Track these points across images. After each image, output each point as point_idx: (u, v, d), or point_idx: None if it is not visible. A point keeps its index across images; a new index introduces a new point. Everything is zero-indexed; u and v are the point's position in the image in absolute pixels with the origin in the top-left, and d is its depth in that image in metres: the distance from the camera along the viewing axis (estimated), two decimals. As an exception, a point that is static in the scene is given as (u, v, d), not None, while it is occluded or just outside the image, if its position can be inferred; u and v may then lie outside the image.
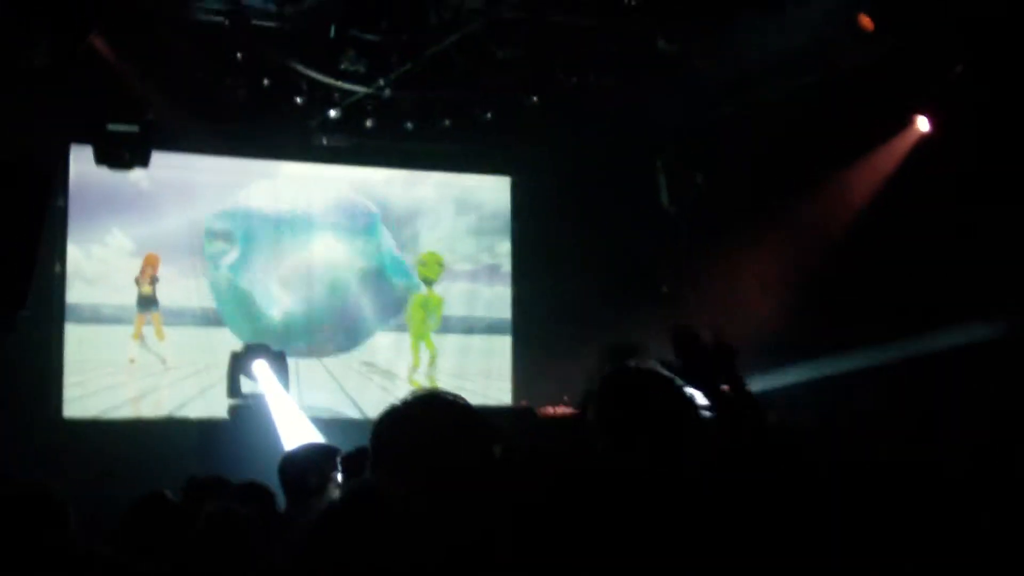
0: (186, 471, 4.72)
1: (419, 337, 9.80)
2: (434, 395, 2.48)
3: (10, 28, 7.00)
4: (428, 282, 9.87)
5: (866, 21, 7.66)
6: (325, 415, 8.44)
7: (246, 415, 7.18)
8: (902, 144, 8.67)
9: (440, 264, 9.92)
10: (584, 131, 9.22)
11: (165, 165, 8.66)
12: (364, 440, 2.40)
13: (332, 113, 8.89)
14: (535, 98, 9.03)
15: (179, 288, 9.03)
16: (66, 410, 8.64)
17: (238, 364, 7.34)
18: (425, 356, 9.74)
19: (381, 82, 8.72)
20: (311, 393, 8.90)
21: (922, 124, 8.55)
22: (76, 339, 8.74)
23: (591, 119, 8.95)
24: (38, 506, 2.95)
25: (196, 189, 9.19)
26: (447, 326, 9.90)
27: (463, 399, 2.43)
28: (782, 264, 8.84)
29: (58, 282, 8.70)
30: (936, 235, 7.74)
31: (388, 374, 9.41)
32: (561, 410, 7.75)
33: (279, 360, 7.36)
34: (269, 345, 7.55)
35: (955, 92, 7.81)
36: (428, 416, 2.40)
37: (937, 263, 7.74)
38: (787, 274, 8.84)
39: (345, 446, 3.98)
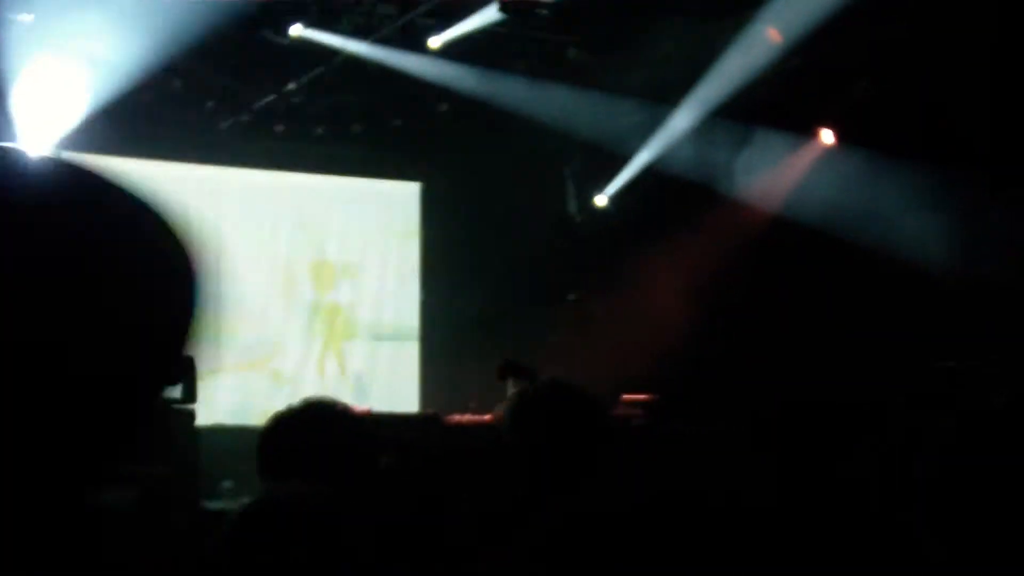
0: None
1: (327, 345, 9.74)
2: (320, 404, 2.49)
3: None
4: (332, 289, 9.80)
5: (774, 34, 7.77)
6: (230, 422, 8.35)
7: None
8: (807, 155, 8.81)
9: (345, 272, 9.86)
10: (494, 138, 9.23)
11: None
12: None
13: (242, 118, 8.83)
14: (445, 105, 9.04)
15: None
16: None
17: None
18: (332, 364, 9.68)
19: (291, 86, 8.67)
20: (218, 401, 8.80)
21: (826, 137, 8.70)
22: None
23: (501, 126, 8.95)
24: None
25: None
26: (355, 333, 9.85)
27: (347, 407, 2.44)
28: (690, 272, 8.92)
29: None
30: (840, 242, 7.89)
31: (295, 382, 9.35)
32: (468, 418, 7.75)
33: (188, 367, 7.27)
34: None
35: (859, 106, 7.96)
36: (314, 425, 2.41)
37: (841, 269, 7.90)
38: (694, 281, 8.93)
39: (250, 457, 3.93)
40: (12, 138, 8.03)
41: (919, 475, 2.91)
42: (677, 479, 2.99)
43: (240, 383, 9.27)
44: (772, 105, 8.15)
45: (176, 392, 7.19)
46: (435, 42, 8.22)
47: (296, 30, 7.98)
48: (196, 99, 8.66)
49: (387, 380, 9.85)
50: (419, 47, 8.23)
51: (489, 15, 7.77)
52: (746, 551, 2.49)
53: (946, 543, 2.43)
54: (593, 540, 2.30)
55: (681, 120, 8.70)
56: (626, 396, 7.33)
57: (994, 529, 2.32)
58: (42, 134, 8.14)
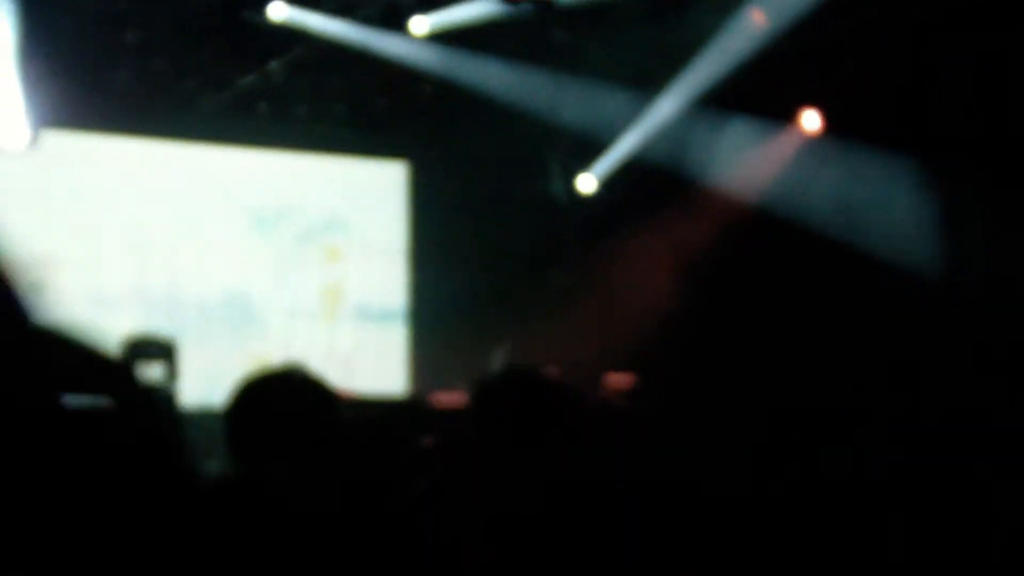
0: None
1: (312, 326, 9.71)
2: (289, 375, 2.45)
3: None
4: (317, 269, 9.77)
5: (758, 16, 7.74)
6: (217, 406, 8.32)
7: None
8: (789, 142, 8.80)
9: (331, 252, 9.83)
10: (480, 118, 9.21)
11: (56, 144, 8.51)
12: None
13: (224, 96, 8.80)
14: (429, 86, 9.02)
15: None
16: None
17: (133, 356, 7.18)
18: (319, 345, 9.65)
19: (273, 65, 8.64)
20: (204, 385, 8.77)
21: (811, 120, 8.68)
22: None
23: (487, 106, 8.94)
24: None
25: (90, 174, 9.00)
26: (341, 313, 9.82)
27: (309, 374, 2.39)
28: (675, 253, 8.93)
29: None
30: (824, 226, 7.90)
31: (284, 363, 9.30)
32: (455, 397, 7.73)
33: (169, 353, 7.22)
34: (160, 339, 7.40)
35: (845, 91, 7.95)
36: (282, 393, 2.37)
37: (824, 251, 7.90)
38: (680, 263, 8.93)
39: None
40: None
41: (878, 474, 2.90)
42: (653, 466, 2.97)
43: (224, 365, 9.23)
44: (755, 90, 8.13)
45: (157, 374, 7.16)
46: (418, 28, 8.21)
47: (277, 11, 7.96)
48: (177, 77, 8.63)
49: (374, 361, 9.82)
50: (401, 27, 8.22)
51: (482, 7, 7.76)
52: (715, 539, 2.48)
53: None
54: (557, 532, 2.29)
55: (665, 106, 8.69)
56: (611, 375, 7.33)
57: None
58: (18, 113, 8.09)
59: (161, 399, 6.99)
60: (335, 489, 2.30)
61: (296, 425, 2.35)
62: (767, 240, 8.41)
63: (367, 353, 9.82)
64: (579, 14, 8.03)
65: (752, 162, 8.78)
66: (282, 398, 2.41)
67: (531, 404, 2.48)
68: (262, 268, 9.61)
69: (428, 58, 8.76)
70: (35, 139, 8.24)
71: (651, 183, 8.95)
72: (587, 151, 9.45)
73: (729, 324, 8.39)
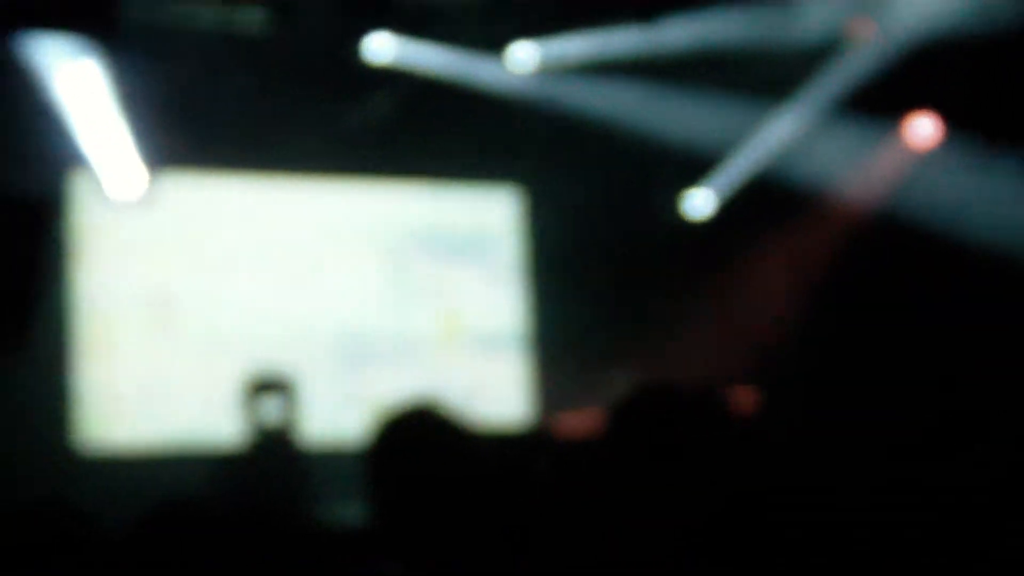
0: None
1: (430, 354, 9.68)
2: (427, 411, 2.37)
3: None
4: (433, 297, 9.76)
5: (860, 28, 7.60)
6: (339, 441, 8.34)
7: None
8: (912, 143, 8.63)
9: (445, 279, 9.81)
10: (594, 139, 9.16)
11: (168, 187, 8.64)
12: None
13: (334, 130, 8.85)
14: (537, 112, 9.02)
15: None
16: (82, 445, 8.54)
17: (252, 396, 7.19)
18: (436, 373, 9.61)
19: (381, 97, 8.68)
20: (327, 420, 8.78)
21: (930, 123, 8.51)
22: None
23: (600, 128, 8.90)
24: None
25: (204, 213, 9.10)
26: (460, 341, 9.78)
27: (453, 413, 2.32)
28: (794, 269, 8.79)
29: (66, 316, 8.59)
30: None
31: (395, 394, 9.26)
32: (579, 420, 7.63)
33: (291, 391, 7.23)
34: (281, 375, 7.41)
35: (965, 90, 7.78)
36: (423, 434, 2.30)
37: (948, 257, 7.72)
38: (799, 279, 8.80)
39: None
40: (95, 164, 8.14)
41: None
42: (788, 480, 2.86)
43: (346, 399, 9.24)
44: (872, 95, 7.99)
45: (278, 411, 7.17)
46: (522, 63, 8.24)
47: (379, 44, 7.99)
48: (286, 115, 8.69)
49: (494, 388, 9.77)
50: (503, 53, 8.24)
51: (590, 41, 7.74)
52: (852, 552, 2.37)
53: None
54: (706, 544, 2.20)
55: (781, 118, 8.58)
56: (734, 390, 7.24)
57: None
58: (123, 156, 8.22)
59: (282, 438, 7.02)
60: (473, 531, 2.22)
61: (441, 467, 2.27)
62: (888, 250, 8.24)
63: (487, 381, 9.78)
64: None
65: (871, 169, 8.62)
66: (426, 438, 2.33)
67: (677, 419, 2.40)
68: (378, 299, 9.60)
69: (532, 84, 8.75)
70: (149, 184, 8.35)
71: (767, 197, 8.83)
72: (700, 168, 9.37)
73: (852, 336, 8.23)
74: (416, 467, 2.27)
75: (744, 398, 7.00)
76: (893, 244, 8.17)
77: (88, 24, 5.31)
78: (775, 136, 8.73)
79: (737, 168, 9.19)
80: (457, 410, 2.40)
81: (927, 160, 8.38)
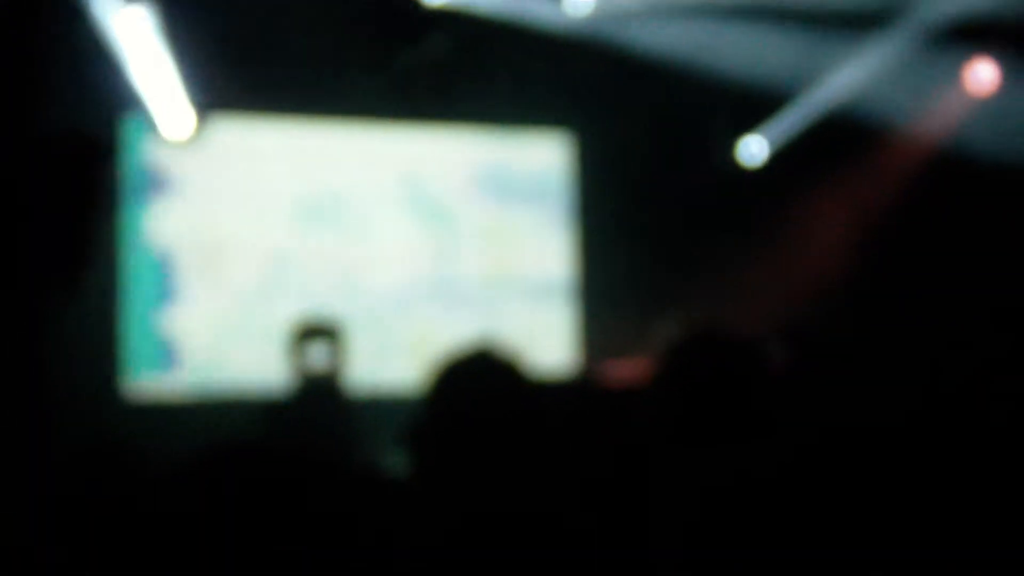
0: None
1: (482, 300, 9.67)
2: (486, 353, 2.34)
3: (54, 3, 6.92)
4: (482, 244, 9.73)
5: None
6: (384, 389, 8.35)
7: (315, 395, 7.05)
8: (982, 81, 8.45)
9: (494, 227, 9.77)
10: (646, 83, 9.07)
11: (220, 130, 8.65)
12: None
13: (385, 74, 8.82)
14: (590, 55, 8.93)
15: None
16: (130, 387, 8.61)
17: (299, 342, 7.20)
18: (487, 320, 9.60)
19: (433, 40, 8.64)
20: (372, 367, 8.80)
21: (986, 70, 8.34)
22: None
23: (651, 72, 8.80)
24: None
25: (255, 157, 9.11)
26: (508, 289, 9.76)
27: (512, 356, 2.29)
28: (851, 214, 8.67)
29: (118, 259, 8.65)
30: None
31: (440, 344, 9.25)
32: (630, 369, 7.58)
33: (339, 337, 7.22)
34: (329, 321, 7.40)
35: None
36: (490, 381, 2.27)
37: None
38: (856, 224, 8.68)
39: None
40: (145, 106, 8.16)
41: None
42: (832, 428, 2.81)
43: (393, 347, 9.26)
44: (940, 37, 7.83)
45: (325, 357, 7.17)
46: (578, 4, 8.14)
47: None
48: (337, 58, 8.67)
49: (542, 336, 9.75)
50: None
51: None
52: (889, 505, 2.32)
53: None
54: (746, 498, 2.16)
55: (858, 56, 8.41)
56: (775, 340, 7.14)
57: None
58: (176, 99, 8.22)
59: (329, 384, 7.03)
60: (531, 480, 2.19)
61: (498, 411, 2.24)
62: (953, 192, 8.09)
63: (534, 329, 9.75)
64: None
65: (932, 113, 8.46)
66: (485, 378, 2.30)
67: (726, 365, 2.38)
68: (426, 245, 9.59)
69: (588, 25, 8.65)
70: (200, 126, 8.36)
71: (826, 142, 8.71)
72: (756, 113, 9.25)
73: (910, 284, 8.12)
74: (475, 408, 2.24)
75: (778, 352, 6.92)
76: (957, 186, 8.03)
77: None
78: (839, 79, 8.57)
79: (796, 114, 9.06)
80: (515, 354, 2.37)
81: (987, 105, 8.24)
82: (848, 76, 8.52)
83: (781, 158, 9.36)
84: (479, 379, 2.33)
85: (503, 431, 2.23)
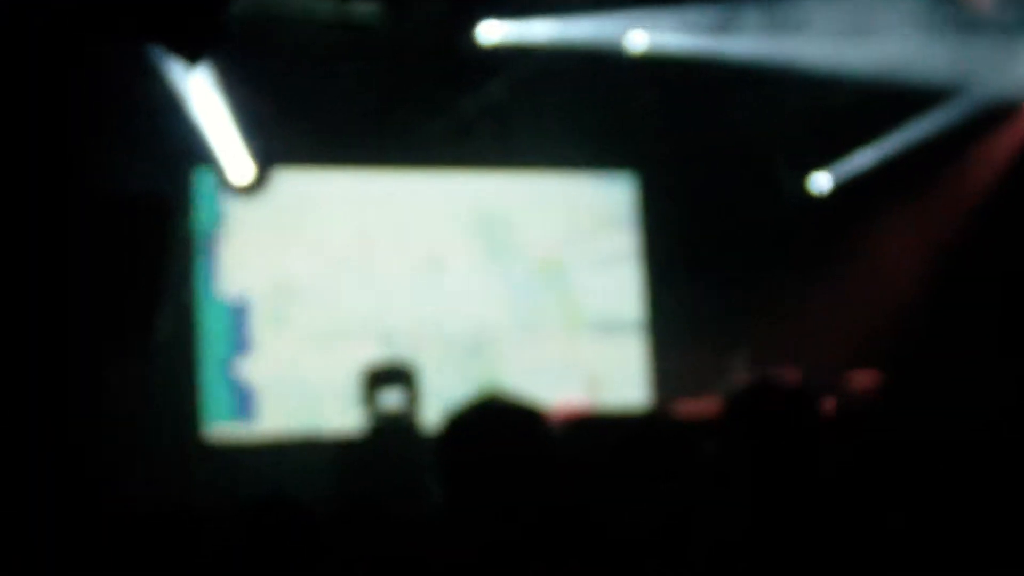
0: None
1: (550, 341, 9.69)
2: (497, 402, 2.38)
3: (129, 61, 7.04)
4: (551, 283, 9.76)
5: None
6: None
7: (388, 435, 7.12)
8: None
9: (561, 265, 9.80)
10: (707, 121, 9.08)
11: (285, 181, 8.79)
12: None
13: (446, 120, 8.89)
14: (653, 92, 8.95)
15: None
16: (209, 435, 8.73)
17: (373, 386, 7.28)
18: (558, 361, 9.62)
19: (493, 85, 8.69)
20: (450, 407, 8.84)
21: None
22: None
23: (714, 108, 8.81)
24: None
25: (320, 207, 9.23)
26: (579, 329, 9.78)
27: (528, 404, 2.33)
28: (924, 240, 8.58)
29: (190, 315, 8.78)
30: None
31: (515, 378, 9.30)
32: (703, 405, 7.57)
33: (412, 381, 7.30)
34: (401, 365, 7.49)
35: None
36: (495, 427, 2.31)
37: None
38: (928, 251, 8.59)
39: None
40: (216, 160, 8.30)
41: None
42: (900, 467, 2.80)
43: (464, 390, 9.30)
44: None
45: (397, 401, 7.23)
46: (636, 44, 8.16)
47: (489, 31, 7.98)
48: (396, 106, 8.75)
49: (615, 373, 9.75)
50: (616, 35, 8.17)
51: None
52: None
53: None
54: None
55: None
56: (854, 373, 7.11)
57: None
58: (243, 151, 8.34)
59: (403, 425, 7.09)
60: (542, 515, 2.22)
61: (499, 454, 2.28)
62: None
63: (607, 366, 9.76)
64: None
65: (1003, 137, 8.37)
66: (484, 429, 2.34)
67: (775, 418, 2.41)
68: (496, 288, 9.64)
69: (647, 65, 8.65)
70: (265, 178, 8.48)
71: (897, 169, 8.65)
72: (823, 144, 9.23)
73: (986, 313, 8.01)
74: (481, 451, 2.28)
75: (864, 382, 6.88)
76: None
77: (192, 42, 5.39)
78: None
79: (868, 153, 9.03)
80: (527, 400, 2.41)
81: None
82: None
83: (848, 189, 9.32)
84: (483, 420, 2.38)
85: (513, 467, 2.27)
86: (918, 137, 8.60)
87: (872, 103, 8.39)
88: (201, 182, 8.81)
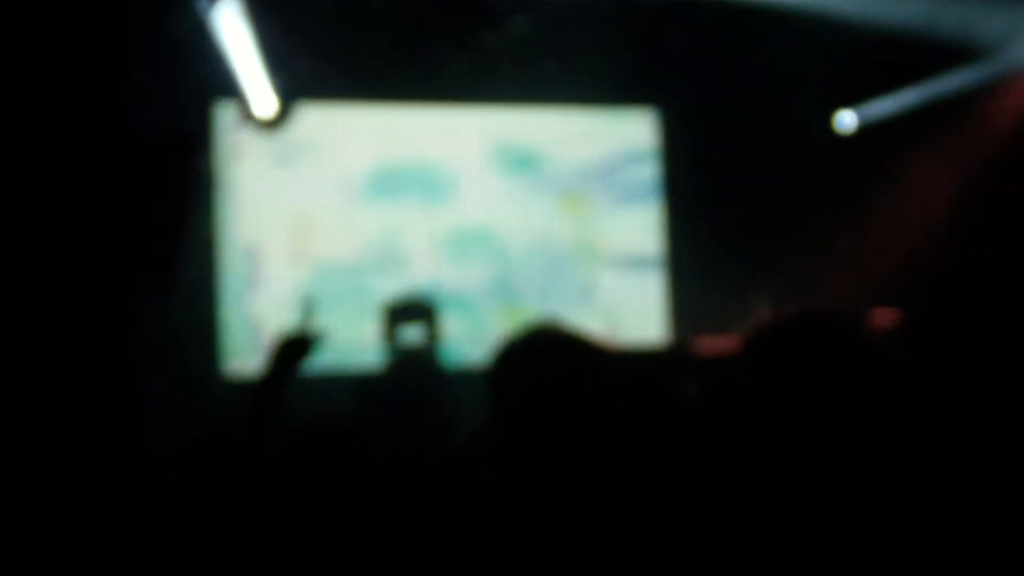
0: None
1: (571, 277, 9.69)
2: (555, 331, 2.36)
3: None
4: (572, 219, 9.75)
5: None
6: (479, 363, 8.39)
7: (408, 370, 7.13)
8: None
9: (584, 201, 9.77)
10: (732, 59, 9.01)
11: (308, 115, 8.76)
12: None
13: (471, 56, 8.84)
14: (678, 29, 8.88)
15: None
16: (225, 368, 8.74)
17: (394, 321, 7.28)
18: (578, 295, 9.62)
19: (518, 20, 8.63)
20: (465, 341, 8.85)
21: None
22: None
23: (740, 46, 8.74)
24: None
25: (342, 142, 9.20)
26: (598, 264, 9.77)
27: (584, 334, 2.31)
28: (953, 178, 8.52)
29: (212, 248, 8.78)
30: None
31: (537, 315, 9.29)
32: (721, 342, 7.56)
33: (433, 316, 7.30)
34: (422, 300, 7.48)
35: None
36: (550, 355, 2.29)
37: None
38: (952, 190, 8.53)
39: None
40: (237, 89, 8.24)
41: None
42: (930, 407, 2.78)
43: (485, 322, 9.32)
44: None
45: (419, 335, 7.24)
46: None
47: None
48: (422, 41, 8.70)
49: (633, 309, 9.75)
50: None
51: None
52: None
53: None
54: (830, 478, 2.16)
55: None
56: (875, 311, 7.09)
57: None
58: (266, 83, 8.29)
59: (423, 361, 7.10)
60: (599, 446, 2.21)
61: (558, 384, 2.26)
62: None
63: (625, 302, 9.76)
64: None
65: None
66: (543, 358, 2.32)
67: (810, 346, 2.34)
68: (518, 224, 9.62)
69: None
70: (287, 113, 8.44)
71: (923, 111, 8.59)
72: (851, 81, 9.15)
73: (1012, 254, 7.96)
74: (538, 377, 2.26)
75: (885, 320, 6.86)
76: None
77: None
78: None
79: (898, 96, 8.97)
80: (581, 331, 2.39)
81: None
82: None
83: (874, 129, 9.26)
84: (539, 348, 2.35)
85: (568, 396, 2.25)
86: (946, 90, 8.55)
87: (903, 51, 8.32)
88: (221, 117, 8.79)
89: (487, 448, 2.25)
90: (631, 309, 9.73)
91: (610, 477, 2.20)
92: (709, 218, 9.48)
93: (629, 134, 9.99)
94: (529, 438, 2.18)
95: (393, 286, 8.65)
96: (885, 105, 9.13)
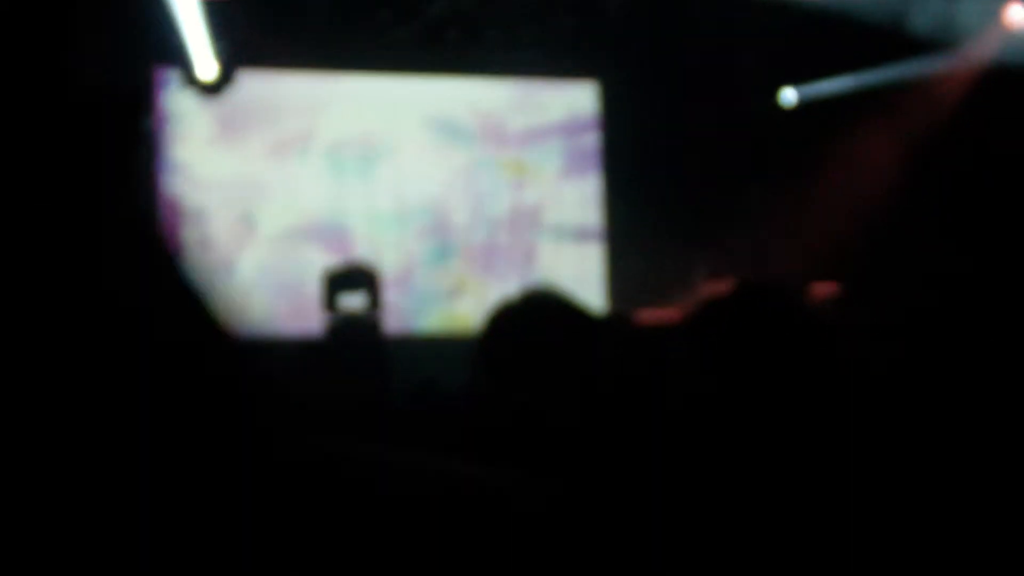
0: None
1: (511, 248, 9.72)
2: (548, 295, 2.38)
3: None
4: (512, 190, 9.77)
5: None
6: (418, 330, 8.41)
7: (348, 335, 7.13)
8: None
9: (524, 172, 9.80)
10: (672, 30, 9.05)
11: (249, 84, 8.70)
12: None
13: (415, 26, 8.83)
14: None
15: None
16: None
17: (334, 287, 7.28)
18: (519, 267, 9.66)
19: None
20: (408, 306, 8.86)
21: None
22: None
23: (680, 17, 8.78)
24: None
25: (285, 110, 9.16)
26: (537, 233, 9.80)
27: (575, 300, 2.33)
28: (888, 161, 8.60)
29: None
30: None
31: (483, 288, 9.34)
32: (661, 314, 7.59)
33: (373, 282, 7.30)
34: (362, 267, 7.48)
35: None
36: (543, 318, 2.30)
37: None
38: (903, 156, 8.59)
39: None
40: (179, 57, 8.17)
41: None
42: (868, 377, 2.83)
43: (427, 287, 9.34)
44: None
45: (359, 303, 7.25)
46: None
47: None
48: (368, 10, 8.68)
49: (571, 280, 9.79)
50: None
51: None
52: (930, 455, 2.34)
53: None
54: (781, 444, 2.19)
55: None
56: (815, 284, 7.14)
57: None
58: (207, 49, 8.23)
59: (365, 327, 7.11)
60: (592, 408, 2.22)
61: (554, 348, 2.27)
62: (1002, 113, 7.98)
63: (566, 272, 9.79)
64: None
65: (972, 49, 8.36)
66: (541, 327, 2.33)
67: (756, 317, 2.36)
68: (456, 192, 9.64)
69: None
70: (228, 78, 8.38)
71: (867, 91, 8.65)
72: (794, 53, 9.22)
73: (962, 212, 8.02)
74: (532, 338, 2.27)
75: (823, 293, 6.91)
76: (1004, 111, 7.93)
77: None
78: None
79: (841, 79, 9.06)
80: (574, 298, 2.41)
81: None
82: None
83: (817, 105, 9.33)
84: (534, 311, 2.36)
85: (564, 360, 2.26)
86: (886, 76, 8.65)
87: (846, 32, 8.40)
88: (165, 80, 8.72)
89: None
90: (571, 280, 9.76)
91: (602, 438, 2.23)
92: (649, 190, 9.52)
93: (571, 104, 10.03)
94: (523, 400, 2.19)
95: (334, 255, 8.65)
96: (828, 86, 9.21)
